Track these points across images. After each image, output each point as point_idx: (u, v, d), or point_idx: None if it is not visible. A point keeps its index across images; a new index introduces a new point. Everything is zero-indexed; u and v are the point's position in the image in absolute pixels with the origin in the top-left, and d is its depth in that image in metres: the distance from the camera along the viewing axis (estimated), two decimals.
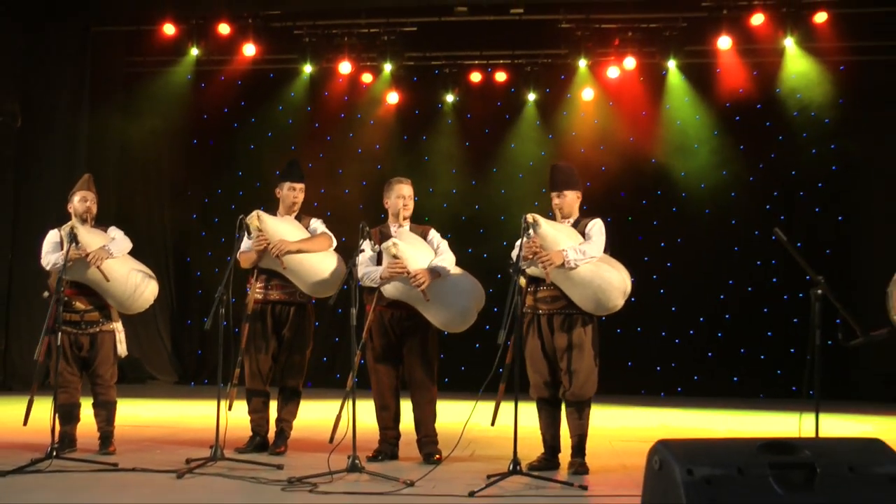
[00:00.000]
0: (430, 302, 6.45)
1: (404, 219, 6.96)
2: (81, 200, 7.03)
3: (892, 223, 13.27)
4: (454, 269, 6.67)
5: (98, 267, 6.61)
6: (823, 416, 5.65)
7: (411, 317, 6.66)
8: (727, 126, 14.10)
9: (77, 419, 6.94)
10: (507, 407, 5.82)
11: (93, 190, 7.12)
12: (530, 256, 6.07)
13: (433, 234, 6.86)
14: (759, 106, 14.02)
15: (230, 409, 6.35)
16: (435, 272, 6.49)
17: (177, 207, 14.97)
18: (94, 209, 7.08)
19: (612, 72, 13.83)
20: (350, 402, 5.85)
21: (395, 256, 6.45)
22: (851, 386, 13.13)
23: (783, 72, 13.67)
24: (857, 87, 13.60)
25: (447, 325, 6.56)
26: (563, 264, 6.06)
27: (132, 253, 7.09)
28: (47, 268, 6.72)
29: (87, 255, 6.59)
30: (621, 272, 6.28)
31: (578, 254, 6.11)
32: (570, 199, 6.53)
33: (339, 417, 6.17)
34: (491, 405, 6.02)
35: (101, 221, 7.19)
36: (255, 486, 5.57)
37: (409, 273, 6.43)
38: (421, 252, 6.62)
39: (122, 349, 7.03)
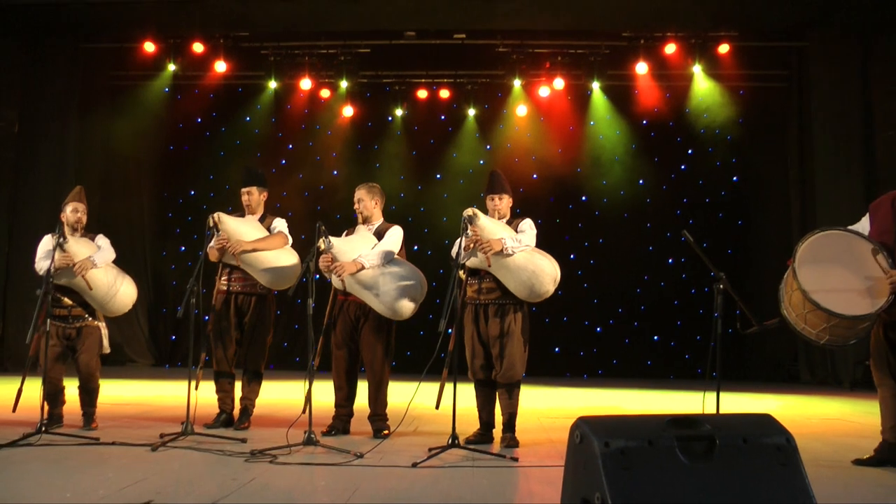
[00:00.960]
0: (365, 291, 6.44)
1: (364, 219, 6.93)
2: (73, 211, 6.93)
3: (783, 227, 13.48)
4: (394, 263, 6.61)
5: (83, 276, 6.55)
6: (724, 395, 5.73)
7: (365, 304, 6.65)
8: (643, 141, 14.24)
9: (62, 402, 6.85)
10: (446, 388, 5.82)
11: (83, 201, 7.02)
12: (472, 246, 6.07)
13: (390, 231, 6.82)
14: (671, 124, 14.17)
15: (196, 388, 6.29)
16: (356, 264, 6.47)
17: (154, 207, 14.86)
18: (84, 219, 6.98)
19: (543, 91, 13.91)
20: (306, 382, 5.84)
21: (328, 251, 6.46)
22: (748, 369, 13.33)
23: (692, 94, 13.86)
24: (754, 109, 13.85)
25: (382, 311, 6.52)
26: (501, 251, 6.07)
27: (117, 253, 7.03)
28: (40, 273, 6.61)
29: (74, 264, 6.52)
30: (552, 262, 6.30)
31: (515, 242, 6.13)
32: (505, 202, 6.55)
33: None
34: (432, 386, 6.03)
35: (88, 221, 7.08)
36: (221, 458, 5.53)
37: (331, 264, 6.44)
38: (357, 248, 6.58)
39: (105, 346, 6.95)
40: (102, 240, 6.97)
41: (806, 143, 13.33)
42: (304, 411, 6.17)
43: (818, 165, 12.94)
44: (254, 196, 7.24)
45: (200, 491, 4.54)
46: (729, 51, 13.34)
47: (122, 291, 6.82)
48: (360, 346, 6.72)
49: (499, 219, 6.44)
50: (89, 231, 7.07)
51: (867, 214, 5.80)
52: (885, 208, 5.69)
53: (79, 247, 6.66)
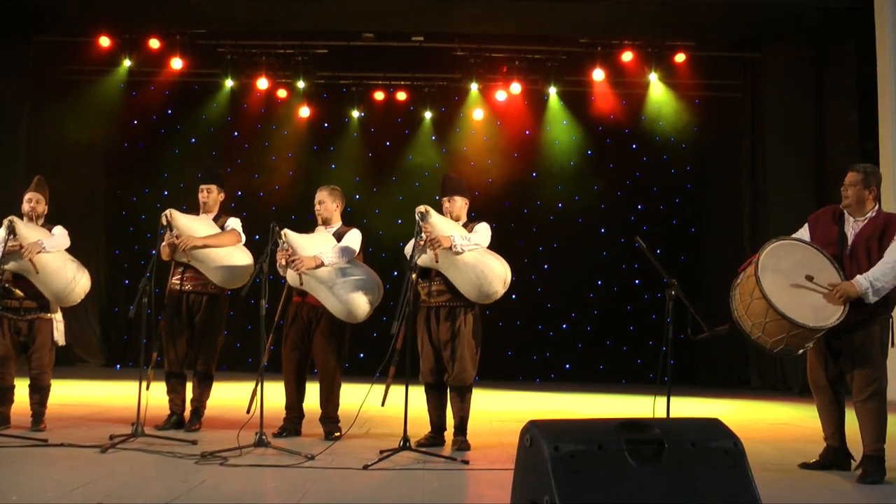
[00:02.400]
0: (321, 290, 6.43)
1: (323, 221, 6.91)
2: (27, 201, 6.88)
3: (736, 235, 13.63)
4: (351, 265, 6.61)
5: (30, 260, 6.45)
6: (674, 400, 5.77)
7: (318, 308, 6.63)
8: (599, 147, 14.32)
9: (11, 400, 6.73)
10: (398, 390, 5.83)
11: (40, 191, 6.94)
12: (422, 243, 6.07)
13: (350, 233, 6.81)
14: (626, 131, 14.28)
15: (147, 388, 6.23)
16: (316, 259, 6.46)
17: (108, 205, 14.68)
18: (40, 208, 6.90)
19: (500, 95, 13.95)
20: (257, 384, 5.82)
21: (286, 247, 6.44)
22: (699, 374, 13.45)
23: (648, 102, 13.98)
24: (709, 118, 13.99)
25: (338, 312, 6.50)
26: (450, 247, 6.07)
27: (70, 250, 6.93)
28: None
29: (22, 247, 6.44)
30: (503, 263, 6.31)
31: (464, 240, 6.14)
32: (460, 205, 6.56)
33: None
34: (384, 387, 6.03)
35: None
36: (171, 460, 5.49)
37: (290, 259, 6.42)
38: (316, 245, 6.57)
39: (59, 338, 6.85)
40: (58, 229, 6.87)
41: (758, 152, 13.50)
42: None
43: (770, 175, 13.10)
44: (212, 194, 7.19)
45: (150, 493, 4.51)
46: (685, 60, 13.48)
47: (73, 280, 6.70)
48: (312, 348, 6.70)
49: (453, 220, 6.45)
50: (52, 222, 6.98)
51: (805, 225, 5.90)
52: (826, 221, 5.79)
53: (29, 232, 6.57)
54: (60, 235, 6.82)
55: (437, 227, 6.11)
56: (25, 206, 6.87)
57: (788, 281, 5.43)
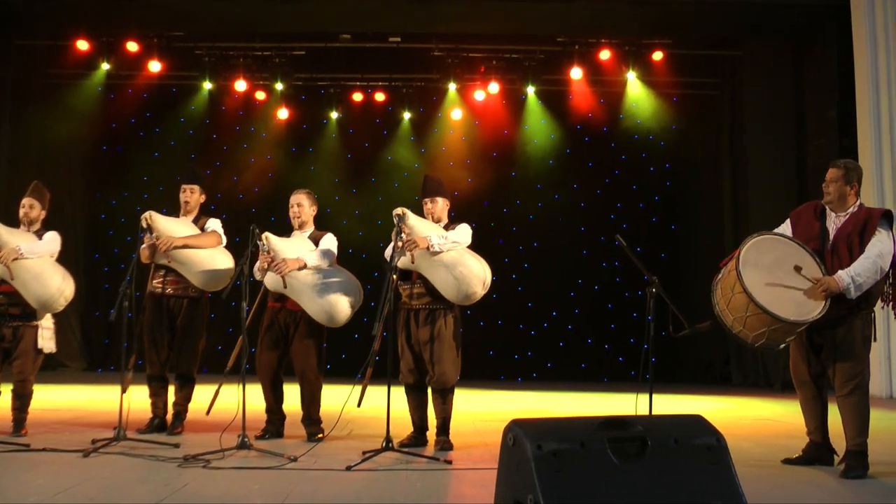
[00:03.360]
0: (302, 294, 6.43)
1: (300, 225, 6.90)
2: (21, 206, 6.89)
3: (715, 231, 13.72)
4: (331, 269, 6.61)
5: (5, 265, 6.40)
6: (656, 397, 5.80)
7: (296, 312, 6.63)
8: (578, 145, 14.37)
9: None
10: (380, 391, 5.82)
11: (35, 196, 6.93)
12: (400, 245, 6.07)
13: (327, 237, 6.81)
14: (605, 129, 14.33)
15: (124, 391, 6.19)
16: (299, 261, 6.45)
17: (87, 208, 14.62)
18: (33, 213, 6.88)
19: (479, 95, 13.98)
20: (239, 386, 5.80)
21: (266, 249, 6.43)
22: (680, 371, 13.50)
23: (626, 101, 14.04)
24: (688, 116, 14.06)
25: (318, 316, 6.49)
26: (427, 248, 6.08)
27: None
28: None
29: None
30: (482, 264, 6.31)
31: (441, 239, 6.15)
32: (440, 206, 6.56)
33: (216, 394, 6.44)
34: (367, 389, 6.03)
35: (12, 219, 6.94)
36: (154, 464, 5.46)
37: (272, 261, 6.41)
38: (297, 248, 6.57)
39: (45, 345, 6.77)
40: (48, 235, 6.82)
41: (738, 150, 13.57)
42: (207, 413, 6.38)
43: (750, 172, 13.17)
44: (195, 195, 7.17)
45: (133, 497, 4.49)
46: (663, 58, 13.53)
47: (54, 287, 6.64)
48: (290, 352, 6.69)
49: (434, 221, 6.45)
50: (50, 228, 6.94)
51: (787, 221, 5.94)
52: (808, 217, 5.82)
53: (11, 237, 6.54)
54: (45, 242, 6.76)
55: (415, 229, 6.11)
56: (20, 211, 6.88)
57: (770, 276, 5.45)
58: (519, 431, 3.18)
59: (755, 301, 5.30)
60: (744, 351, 12.72)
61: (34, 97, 13.99)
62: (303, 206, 6.92)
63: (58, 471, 5.18)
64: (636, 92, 13.91)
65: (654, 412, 5.59)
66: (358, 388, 5.96)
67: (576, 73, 13.50)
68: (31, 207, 6.89)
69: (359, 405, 5.95)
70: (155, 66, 13.59)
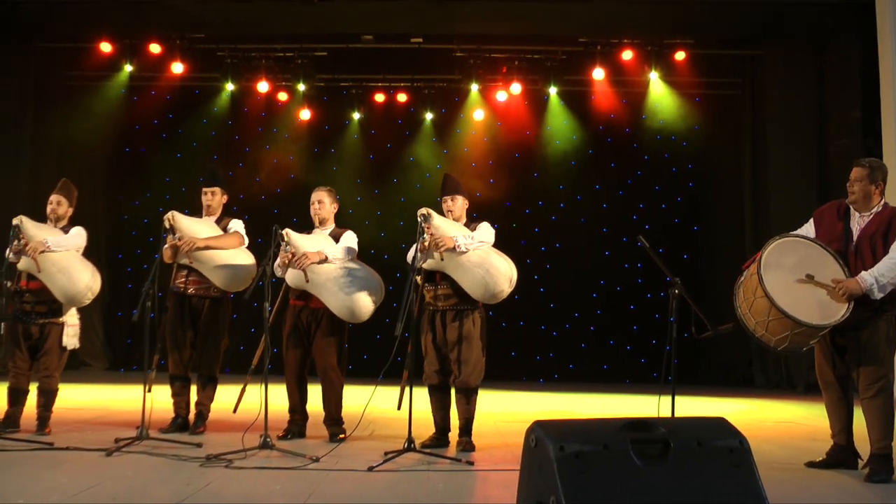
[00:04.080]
0: (323, 289, 6.44)
1: (321, 222, 6.93)
2: (49, 203, 7.00)
3: (738, 233, 13.64)
4: (353, 264, 6.62)
5: (33, 257, 6.48)
6: (679, 399, 5.79)
7: (318, 310, 6.64)
8: (600, 146, 14.32)
9: (23, 403, 6.79)
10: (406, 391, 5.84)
11: (63, 193, 7.05)
12: (426, 246, 6.07)
13: (347, 234, 6.83)
14: (627, 130, 14.27)
15: (149, 391, 6.24)
16: (319, 254, 6.47)
17: (110, 209, 14.67)
18: (61, 210, 7.00)
19: (501, 96, 13.95)
20: (262, 386, 5.82)
21: (288, 245, 6.45)
22: (702, 373, 13.41)
23: (648, 101, 13.97)
24: (710, 116, 13.97)
25: (340, 311, 6.51)
26: (454, 248, 6.08)
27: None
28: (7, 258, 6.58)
29: (26, 245, 6.48)
30: (508, 262, 6.33)
31: (468, 239, 6.16)
32: (460, 204, 6.57)
33: (242, 392, 6.46)
34: (388, 390, 6.04)
35: (41, 218, 7.00)
36: (176, 463, 5.50)
37: (293, 256, 6.43)
38: (318, 244, 6.59)
39: (69, 342, 6.86)
40: (74, 230, 6.93)
41: (760, 150, 13.49)
42: (234, 411, 6.44)
43: (772, 172, 13.09)
44: (216, 197, 7.22)
45: (155, 496, 4.52)
46: (685, 58, 13.47)
47: (82, 280, 6.73)
48: (312, 351, 6.71)
49: (454, 220, 6.46)
50: (76, 224, 7.02)
51: (811, 220, 5.89)
52: (832, 217, 5.78)
53: (38, 231, 6.62)
54: (72, 236, 6.85)
55: (440, 229, 6.12)
56: (48, 208, 6.98)
57: (792, 278, 5.42)
58: (541, 433, 3.18)
59: (777, 306, 5.27)
60: (766, 353, 12.64)
61: (57, 99, 14.06)
62: (323, 202, 6.95)
63: (81, 469, 5.22)
64: (658, 92, 13.85)
65: (676, 414, 5.58)
66: (381, 390, 5.97)
67: (598, 73, 13.47)
68: (58, 204, 6.98)
69: (398, 408, 5.97)
70: (177, 68, 13.65)
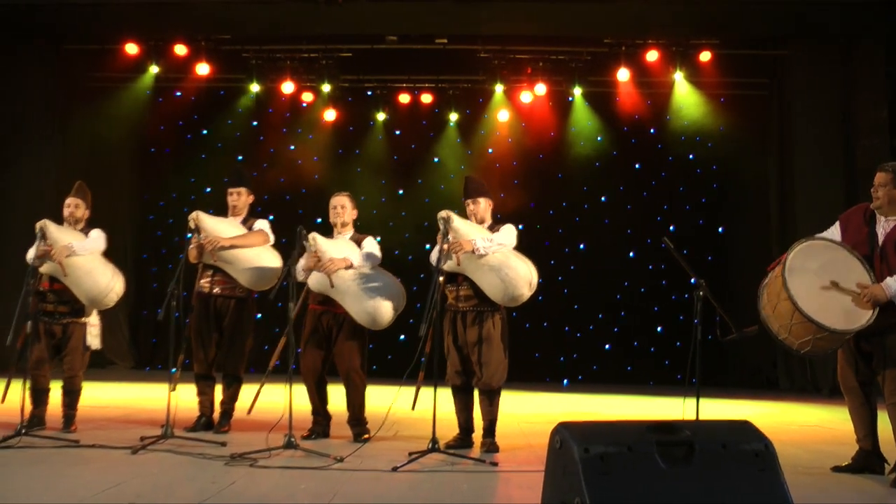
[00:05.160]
0: (346, 295, 6.46)
1: (342, 226, 6.94)
2: (66, 206, 7.04)
3: (763, 234, 13.56)
4: (375, 272, 6.64)
5: (59, 262, 6.53)
6: (703, 401, 5.76)
7: (340, 315, 6.66)
8: (625, 147, 14.28)
9: (46, 402, 6.85)
10: (426, 392, 5.84)
11: (79, 196, 7.08)
12: (446, 248, 6.08)
13: (368, 240, 6.84)
14: (652, 130, 14.24)
15: (174, 390, 6.28)
16: (346, 261, 6.48)
17: (135, 209, 14.78)
18: (79, 213, 7.03)
19: (525, 97, 13.93)
20: (287, 386, 5.85)
21: (313, 250, 6.47)
22: (727, 375, 13.34)
23: (673, 102, 13.91)
24: (735, 117, 13.89)
25: (361, 318, 6.52)
26: (472, 251, 6.08)
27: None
28: (30, 263, 6.62)
29: (51, 250, 6.53)
30: (528, 265, 6.30)
31: (486, 242, 6.14)
32: (483, 206, 6.55)
33: (258, 394, 6.48)
34: (413, 390, 6.04)
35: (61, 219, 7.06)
36: (201, 462, 5.53)
37: (319, 261, 6.44)
38: (342, 249, 6.61)
39: (92, 342, 6.92)
40: (94, 232, 6.96)
41: (786, 151, 13.40)
42: (248, 412, 6.50)
43: (798, 173, 13.01)
44: (242, 197, 7.25)
45: (180, 494, 4.54)
46: (710, 59, 13.40)
47: (107, 283, 6.79)
48: (333, 354, 6.72)
49: (478, 223, 6.46)
50: (97, 228, 7.07)
51: (836, 224, 5.85)
52: (857, 221, 5.73)
53: (62, 234, 6.67)
54: (94, 239, 6.89)
55: (460, 232, 6.12)
56: (65, 211, 7.02)
57: (817, 282, 5.38)
58: (566, 434, 3.18)
59: (800, 310, 5.24)
60: (791, 356, 12.54)
61: (83, 101, 14.17)
62: (346, 207, 6.97)
63: (106, 467, 5.26)
64: (683, 92, 13.79)
65: (700, 416, 5.56)
66: (405, 390, 5.99)
67: (623, 74, 13.42)
68: (76, 207, 7.02)
69: (413, 408, 5.97)
70: (203, 69, 13.71)
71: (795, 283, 5.31)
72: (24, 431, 6.01)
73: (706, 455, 3.18)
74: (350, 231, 6.98)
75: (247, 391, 7.22)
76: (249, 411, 6.55)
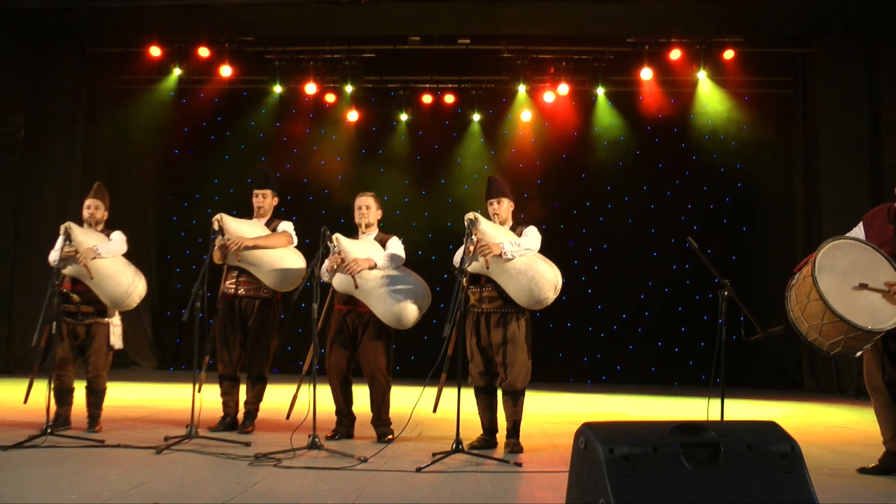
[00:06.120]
0: (371, 296, 6.46)
1: (366, 226, 6.94)
2: (86, 207, 7.09)
3: (788, 234, 13.49)
4: (400, 272, 6.64)
5: (84, 265, 6.57)
6: (728, 402, 5.73)
7: (364, 314, 6.66)
8: (648, 147, 14.25)
9: (70, 402, 6.89)
10: (450, 393, 5.83)
11: (99, 197, 7.13)
12: (472, 250, 6.07)
13: (394, 240, 6.84)
14: (675, 130, 14.20)
15: (199, 391, 6.30)
16: (369, 261, 6.49)
17: (159, 211, 14.89)
18: (99, 214, 7.08)
19: (548, 97, 13.94)
20: (310, 386, 5.86)
21: (337, 251, 6.48)
22: (751, 375, 13.29)
23: (696, 100, 13.89)
24: (759, 116, 13.85)
25: (387, 318, 6.52)
26: (500, 254, 6.07)
27: (125, 254, 7.05)
28: (53, 265, 6.67)
29: (76, 252, 6.57)
30: (553, 269, 6.29)
31: (514, 246, 6.13)
32: (506, 206, 6.54)
33: (295, 397, 6.44)
34: (436, 391, 6.04)
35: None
36: (225, 462, 5.54)
37: (343, 261, 6.45)
38: (366, 250, 6.61)
39: (115, 342, 6.97)
40: (116, 234, 7.01)
41: (811, 149, 13.32)
42: (287, 417, 6.43)
43: (823, 172, 12.93)
44: (267, 199, 7.27)
45: (204, 494, 4.55)
46: (733, 57, 13.37)
47: (129, 285, 6.84)
48: (359, 354, 6.73)
49: (500, 223, 6.45)
50: (111, 228, 7.11)
51: (860, 224, 5.81)
52: (882, 220, 5.69)
53: (85, 237, 6.71)
54: (117, 241, 6.93)
55: (487, 234, 6.11)
56: (85, 213, 7.07)
57: (846, 282, 5.34)
58: (591, 435, 3.17)
59: (832, 309, 5.19)
60: (816, 356, 12.49)
61: (107, 103, 14.32)
62: (370, 208, 6.96)
63: (131, 467, 5.28)
64: (707, 91, 13.76)
65: (725, 417, 5.53)
66: (428, 391, 5.98)
67: (646, 73, 13.40)
68: (96, 208, 7.07)
69: (434, 410, 5.97)
70: (226, 71, 13.81)
71: (825, 283, 5.26)
72: (49, 431, 6.05)
73: (732, 456, 3.16)
74: (374, 231, 6.98)
75: (271, 391, 7.25)
76: (288, 416, 6.53)
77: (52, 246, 6.72)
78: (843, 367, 12.30)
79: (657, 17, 12.69)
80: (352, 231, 6.98)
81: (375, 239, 6.85)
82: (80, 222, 6.96)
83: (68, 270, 6.68)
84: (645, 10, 12.40)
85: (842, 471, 5.80)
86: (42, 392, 6.34)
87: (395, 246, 6.77)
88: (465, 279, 6.05)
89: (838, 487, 5.18)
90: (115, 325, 6.98)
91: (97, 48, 14.05)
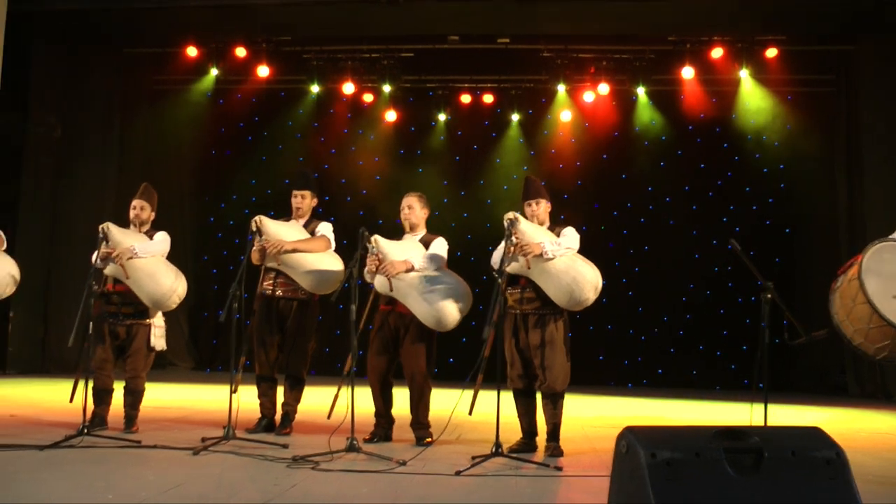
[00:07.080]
0: (410, 297, 6.48)
1: (411, 227, 6.96)
2: (132, 208, 7.19)
3: (832, 235, 13.33)
4: (440, 273, 6.64)
5: (121, 265, 6.64)
6: (771, 407, 5.69)
7: (406, 315, 6.67)
8: (689, 147, 14.16)
9: (108, 402, 6.97)
10: (489, 396, 5.83)
11: (145, 198, 7.21)
12: (512, 250, 6.06)
13: (438, 241, 6.85)
14: (717, 129, 14.09)
15: (235, 392, 6.34)
16: (406, 263, 6.50)
17: (196, 211, 15.00)
18: (144, 215, 7.17)
19: (588, 96, 13.89)
20: (349, 389, 5.88)
21: (375, 252, 6.50)
22: (794, 380, 13.15)
23: (739, 100, 13.77)
24: (802, 115, 13.70)
25: (427, 320, 6.53)
26: (541, 254, 6.07)
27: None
28: (93, 264, 6.76)
29: (114, 252, 6.65)
30: (594, 269, 6.28)
31: (555, 245, 6.13)
32: (543, 208, 6.54)
33: (336, 398, 6.53)
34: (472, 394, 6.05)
35: (127, 222, 7.19)
36: (262, 463, 5.58)
37: (380, 263, 6.46)
38: (407, 251, 6.62)
39: (156, 343, 7.03)
40: (159, 235, 7.09)
41: (854, 149, 13.17)
42: (328, 417, 6.54)
43: (867, 172, 12.77)
44: (306, 200, 7.30)
45: (242, 496, 4.59)
46: (776, 55, 13.24)
47: (169, 286, 6.91)
48: (400, 355, 6.75)
49: (539, 224, 6.44)
50: (159, 230, 7.18)
51: None
52: None
53: (123, 237, 6.78)
54: (157, 241, 7.01)
55: (527, 234, 6.11)
56: (131, 213, 7.17)
57: (893, 285, 5.27)
58: (632, 439, 3.16)
59: (880, 313, 5.12)
60: (861, 361, 12.33)
61: (144, 103, 14.47)
62: (413, 208, 6.97)
63: (168, 468, 5.34)
64: (749, 90, 13.65)
65: (768, 422, 5.48)
66: (467, 393, 5.99)
67: (687, 72, 13.32)
68: (141, 209, 7.14)
69: (470, 413, 5.97)
70: (263, 71, 13.88)
71: (872, 286, 5.19)
72: (86, 431, 6.12)
73: (775, 462, 3.13)
74: (421, 232, 6.99)
75: (309, 393, 7.29)
76: (329, 416, 6.59)
77: (92, 246, 6.81)
78: (888, 372, 12.13)
79: (698, 15, 12.61)
80: (396, 232, 7.00)
81: (421, 240, 6.86)
82: (121, 223, 7.04)
83: (108, 270, 6.78)
84: (686, 8, 12.33)
85: (888, 478, 5.74)
86: (81, 391, 6.42)
87: (438, 247, 6.77)
88: (503, 280, 6.05)
89: (884, 495, 5.13)
90: (158, 326, 7.04)
91: (133, 49, 14.16)
